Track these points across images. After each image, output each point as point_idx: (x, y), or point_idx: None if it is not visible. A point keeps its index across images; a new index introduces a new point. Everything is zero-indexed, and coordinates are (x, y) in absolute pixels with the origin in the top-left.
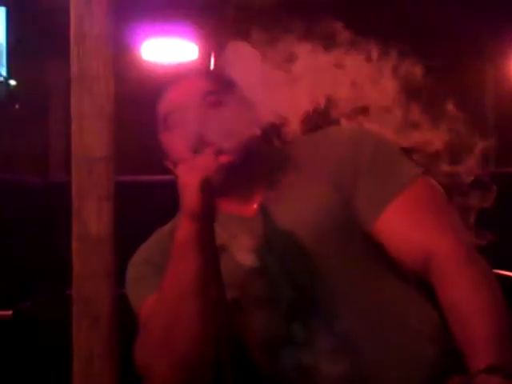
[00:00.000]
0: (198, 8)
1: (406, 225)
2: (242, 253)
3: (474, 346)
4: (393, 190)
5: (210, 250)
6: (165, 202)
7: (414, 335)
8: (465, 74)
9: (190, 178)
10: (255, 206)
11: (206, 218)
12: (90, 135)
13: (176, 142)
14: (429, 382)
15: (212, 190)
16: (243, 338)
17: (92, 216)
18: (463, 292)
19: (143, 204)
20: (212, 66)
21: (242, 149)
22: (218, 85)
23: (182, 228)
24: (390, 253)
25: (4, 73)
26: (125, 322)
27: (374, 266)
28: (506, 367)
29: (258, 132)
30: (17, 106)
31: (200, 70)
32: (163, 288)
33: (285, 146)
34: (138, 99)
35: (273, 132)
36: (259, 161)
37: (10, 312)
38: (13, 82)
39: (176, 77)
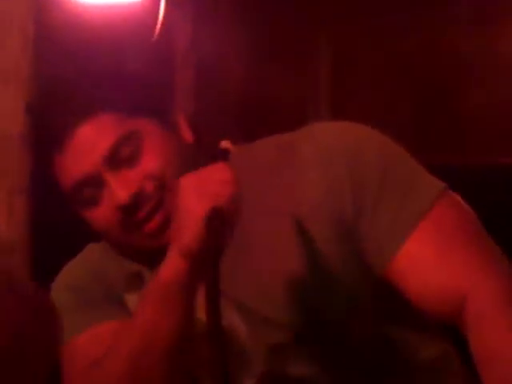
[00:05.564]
0: None
1: (429, 262)
2: None
3: None
4: (409, 221)
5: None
6: None
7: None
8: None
9: (197, 205)
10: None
11: (204, 258)
12: None
13: (100, 216)
14: None
15: (221, 224)
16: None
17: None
18: (505, 347)
19: None
20: (161, 11)
21: None
22: (127, 121)
23: (171, 264)
24: (407, 297)
25: None
26: None
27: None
28: None
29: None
30: None
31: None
32: (132, 329)
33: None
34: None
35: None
36: None
37: None
38: None
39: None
